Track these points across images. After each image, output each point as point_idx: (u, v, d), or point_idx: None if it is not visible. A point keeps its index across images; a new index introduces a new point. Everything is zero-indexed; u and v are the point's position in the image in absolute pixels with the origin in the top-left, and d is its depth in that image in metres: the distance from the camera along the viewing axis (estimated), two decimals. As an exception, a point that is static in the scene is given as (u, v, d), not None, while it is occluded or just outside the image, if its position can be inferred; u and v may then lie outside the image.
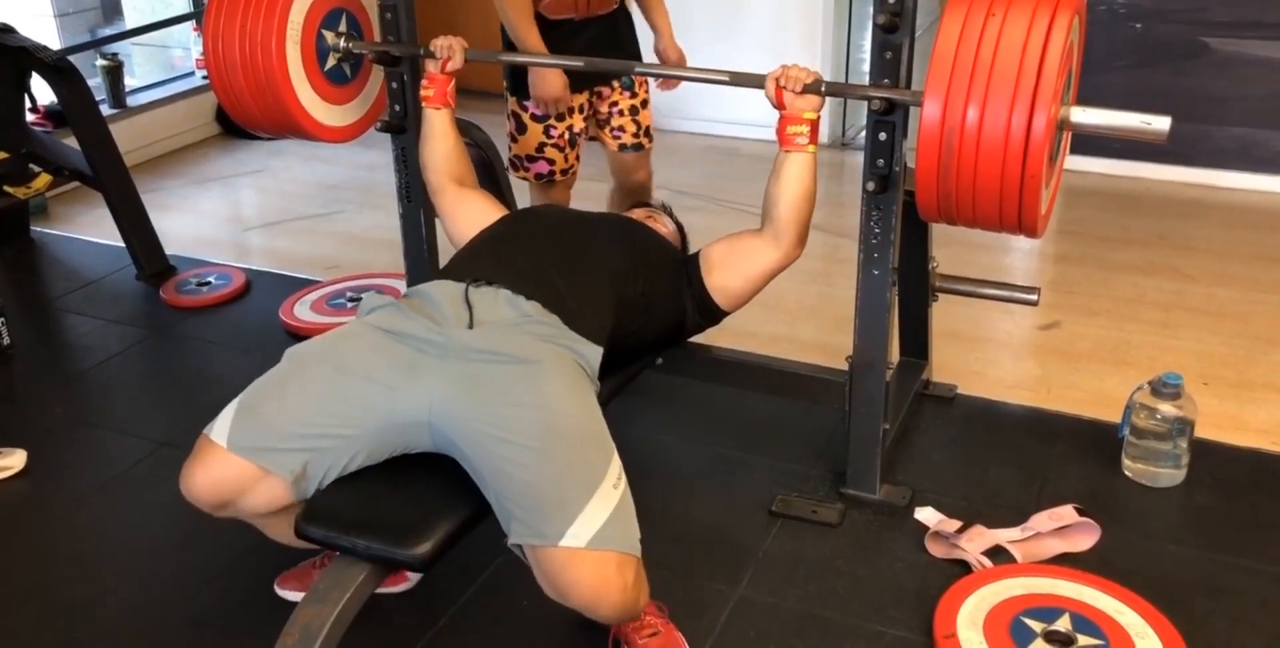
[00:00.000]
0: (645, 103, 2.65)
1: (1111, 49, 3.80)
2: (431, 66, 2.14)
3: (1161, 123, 1.67)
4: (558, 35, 2.44)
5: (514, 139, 2.57)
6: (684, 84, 4.33)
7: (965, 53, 1.62)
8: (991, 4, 1.64)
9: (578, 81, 2.48)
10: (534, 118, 2.51)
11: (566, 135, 2.54)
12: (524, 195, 2.71)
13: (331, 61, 2.26)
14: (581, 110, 2.55)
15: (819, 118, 1.87)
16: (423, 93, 2.16)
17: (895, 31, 1.82)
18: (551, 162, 2.57)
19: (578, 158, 2.63)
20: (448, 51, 2.11)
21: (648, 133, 2.68)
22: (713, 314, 2.03)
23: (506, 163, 2.59)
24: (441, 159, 2.15)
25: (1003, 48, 1.60)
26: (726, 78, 1.97)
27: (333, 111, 2.30)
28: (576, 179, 2.70)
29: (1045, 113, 1.57)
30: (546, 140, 2.54)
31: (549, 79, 2.43)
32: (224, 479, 1.59)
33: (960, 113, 1.61)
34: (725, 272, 1.98)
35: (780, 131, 1.87)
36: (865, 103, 1.88)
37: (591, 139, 2.67)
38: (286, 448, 1.58)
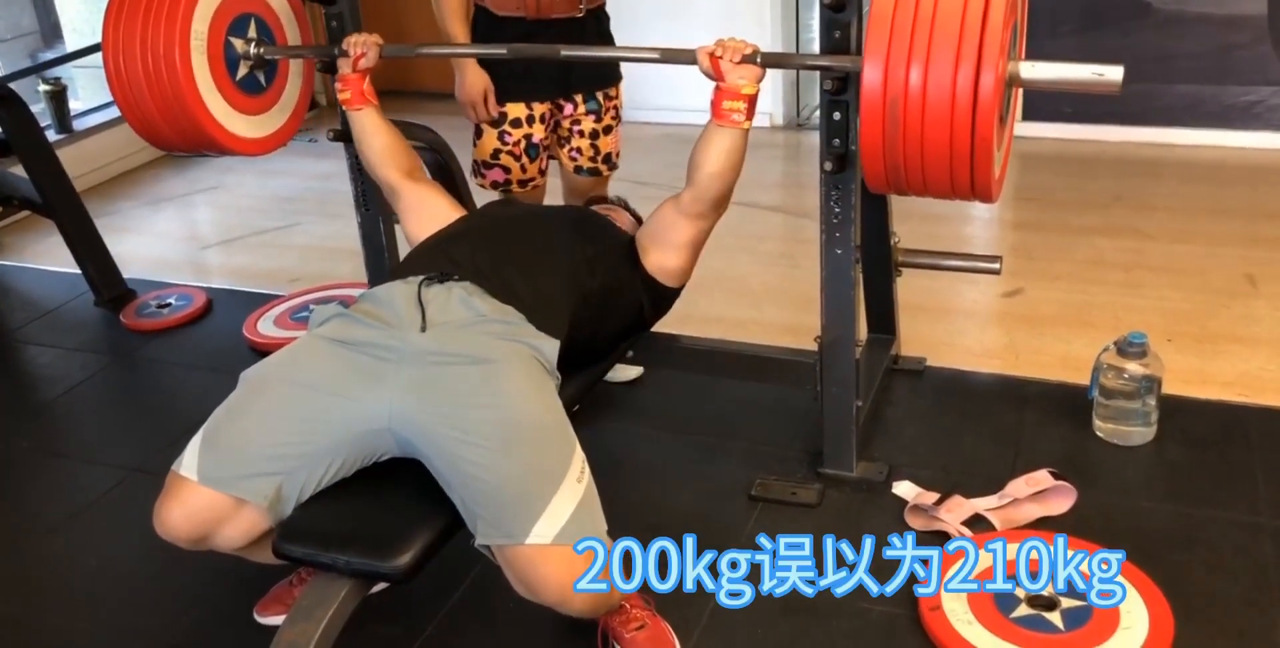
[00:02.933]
0: (609, 129, 2.50)
1: (1055, 13, 3.82)
2: (344, 66, 2.06)
3: (1114, 73, 1.59)
4: (507, 35, 2.28)
5: (474, 143, 2.46)
6: (637, 70, 4.29)
7: (904, 11, 1.53)
8: None
9: (535, 90, 2.35)
10: (489, 122, 2.38)
11: (523, 144, 2.40)
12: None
13: (243, 70, 2.15)
14: (543, 120, 2.40)
15: (757, 93, 1.78)
16: (339, 96, 2.08)
17: (843, 10, 1.80)
18: (507, 170, 2.42)
19: (541, 172, 2.47)
20: (361, 47, 2.03)
21: (607, 160, 2.53)
22: (664, 295, 1.99)
23: (468, 170, 2.51)
24: (382, 154, 2.08)
25: (942, 4, 1.51)
26: (657, 55, 1.89)
27: (249, 123, 2.19)
28: (544, 196, 2.55)
29: (993, 70, 1.49)
30: (501, 147, 2.40)
31: (468, 79, 2.31)
32: (198, 513, 1.56)
33: (902, 76, 1.52)
34: (657, 250, 1.94)
35: (715, 104, 1.78)
36: (818, 83, 1.87)
37: (552, 157, 2.53)
38: (257, 473, 1.56)
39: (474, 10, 2.36)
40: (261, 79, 2.22)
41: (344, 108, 2.10)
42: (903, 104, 1.54)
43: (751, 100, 1.79)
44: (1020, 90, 1.78)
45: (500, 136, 2.39)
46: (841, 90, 1.84)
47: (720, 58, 1.77)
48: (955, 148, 1.55)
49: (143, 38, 2.00)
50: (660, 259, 1.95)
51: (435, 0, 2.31)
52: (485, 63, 2.32)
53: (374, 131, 2.08)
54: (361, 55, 2.04)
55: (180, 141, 2.15)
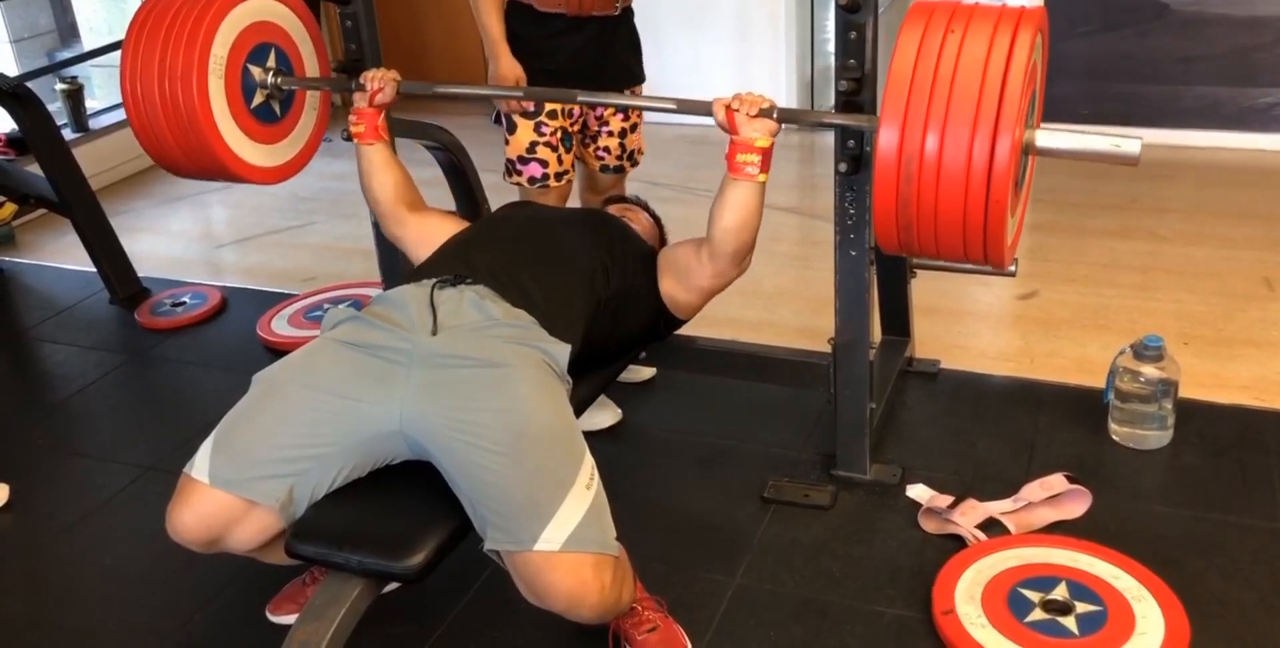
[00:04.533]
0: (635, 127, 2.53)
1: (1073, 14, 3.80)
2: (360, 100, 2.04)
3: (1132, 145, 1.57)
4: (547, 31, 2.33)
5: (506, 142, 2.44)
6: (652, 71, 4.30)
7: (922, 74, 1.52)
8: (950, 22, 1.55)
9: (566, 86, 2.31)
10: (524, 115, 2.38)
11: (559, 134, 2.41)
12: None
13: (259, 98, 2.14)
14: (570, 115, 2.41)
15: (772, 146, 1.76)
16: (352, 129, 2.05)
17: (858, 11, 1.81)
18: (545, 163, 2.42)
19: (573, 165, 2.50)
20: (379, 82, 2.02)
21: (631, 157, 2.56)
22: (669, 322, 1.99)
23: (481, 168, 2.50)
24: (389, 190, 2.05)
25: (962, 69, 1.50)
26: (673, 106, 1.89)
27: (262, 152, 2.17)
28: (571, 191, 2.55)
29: (1009, 138, 1.47)
30: (538, 138, 2.40)
31: (502, 69, 2.34)
32: (210, 516, 1.57)
33: (919, 139, 1.50)
34: (672, 282, 1.93)
35: (730, 158, 1.77)
36: (833, 83, 1.87)
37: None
38: (268, 475, 1.56)
39: (509, 5, 2.37)
40: (277, 109, 2.21)
41: (355, 141, 2.06)
42: (918, 169, 1.52)
43: (766, 153, 1.77)
44: (1041, 114, 1.76)
45: (537, 128, 2.39)
46: (858, 92, 1.84)
47: (736, 111, 1.75)
48: (969, 216, 1.53)
49: (161, 58, 2.00)
50: (673, 291, 1.94)
51: None
52: (518, 55, 2.36)
53: (383, 167, 2.06)
54: (379, 91, 2.02)
55: (192, 166, 2.13)
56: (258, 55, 2.14)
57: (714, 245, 1.84)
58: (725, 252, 1.84)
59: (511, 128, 2.41)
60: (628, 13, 2.43)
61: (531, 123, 2.38)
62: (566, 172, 2.46)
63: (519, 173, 2.44)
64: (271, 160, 2.22)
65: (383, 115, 2.07)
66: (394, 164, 2.08)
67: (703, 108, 1.81)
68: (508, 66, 2.35)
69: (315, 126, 2.33)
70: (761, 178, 1.78)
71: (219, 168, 2.11)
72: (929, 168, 1.51)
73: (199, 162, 2.11)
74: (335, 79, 2.25)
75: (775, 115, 1.75)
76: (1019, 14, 1.56)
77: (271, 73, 2.16)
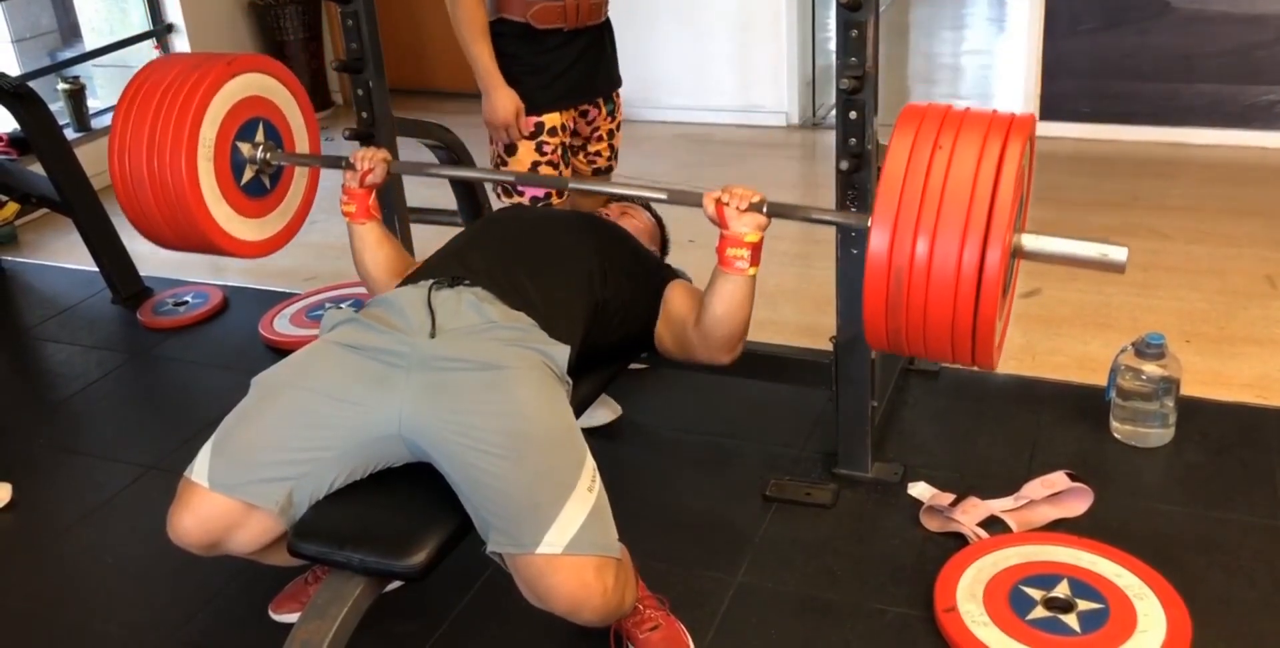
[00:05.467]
0: (620, 125, 2.54)
1: (1075, 11, 3.80)
2: (351, 180, 1.99)
3: (1118, 253, 1.57)
4: (542, 48, 2.31)
5: (503, 161, 2.41)
6: (653, 71, 4.30)
7: (914, 177, 1.52)
8: (940, 129, 1.55)
9: (568, 97, 2.36)
10: (524, 135, 2.35)
11: (560, 151, 2.39)
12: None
13: (249, 174, 2.13)
14: (565, 130, 2.40)
15: (761, 240, 1.74)
16: (343, 208, 2.01)
17: (859, 9, 1.80)
18: None
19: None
20: (369, 163, 1.97)
21: (615, 155, 2.58)
22: (655, 351, 1.96)
23: (496, 189, 2.48)
24: (381, 268, 2.01)
25: (953, 178, 1.50)
26: (664, 196, 1.87)
27: (251, 226, 2.16)
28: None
29: (999, 246, 1.47)
30: (540, 158, 2.37)
31: (500, 102, 2.29)
32: (211, 520, 1.57)
33: (909, 246, 1.50)
34: (667, 332, 1.90)
35: (720, 252, 1.75)
36: (835, 82, 1.86)
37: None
38: (267, 478, 1.56)
39: (500, 25, 2.32)
40: (267, 182, 2.20)
41: (345, 218, 2.03)
42: (908, 273, 1.52)
43: (756, 248, 1.74)
44: (1027, 218, 1.74)
45: (539, 148, 2.36)
46: (859, 90, 1.84)
47: (726, 205, 1.73)
48: (958, 320, 1.53)
49: (150, 141, 1.98)
50: (664, 338, 1.91)
51: (460, 22, 2.28)
52: (513, 75, 2.31)
53: (375, 245, 2.02)
54: (369, 171, 1.98)
55: (179, 243, 2.13)
56: (246, 131, 2.12)
57: (703, 330, 1.82)
58: (714, 338, 1.82)
59: (510, 149, 2.38)
60: (609, 19, 2.45)
61: (533, 143, 2.36)
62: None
63: (519, 193, 2.41)
64: (261, 234, 2.21)
65: (373, 195, 2.02)
66: (386, 241, 2.03)
67: (693, 199, 1.78)
68: (506, 98, 2.30)
69: (305, 193, 2.31)
70: (751, 271, 1.76)
71: (208, 245, 2.11)
72: (919, 272, 1.51)
73: (187, 239, 2.11)
74: (325, 157, 2.22)
75: (765, 210, 1.73)
76: (1009, 122, 1.56)
77: (261, 148, 2.14)
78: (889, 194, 1.53)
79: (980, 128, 1.54)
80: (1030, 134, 1.57)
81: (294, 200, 2.29)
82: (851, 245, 1.99)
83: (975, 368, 1.65)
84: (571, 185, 2.17)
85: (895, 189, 1.52)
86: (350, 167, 2.00)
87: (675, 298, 1.91)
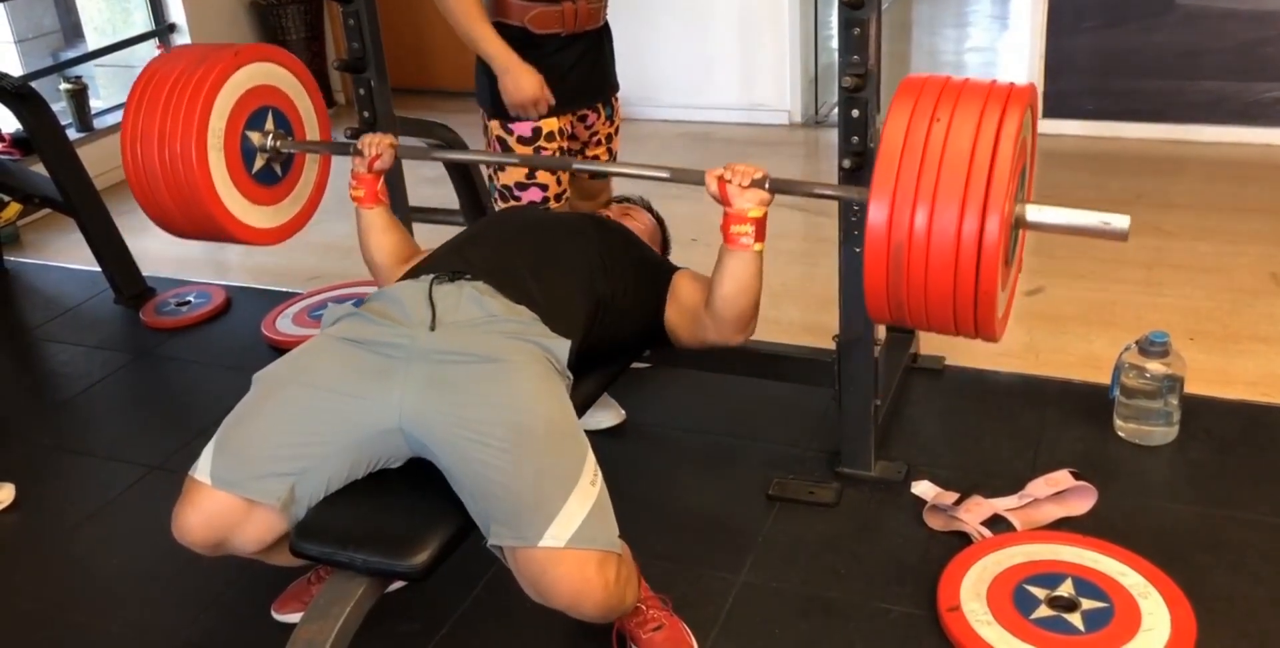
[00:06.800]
0: (618, 129, 2.52)
1: (1078, 8, 3.79)
2: (359, 165, 2.00)
3: (1121, 222, 1.56)
4: (542, 52, 2.28)
5: (501, 167, 2.38)
6: (655, 69, 4.29)
7: (912, 150, 1.51)
8: (939, 99, 1.54)
9: (564, 103, 2.32)
10: (521, 141, 2.33)
11: (557, 156, 2.36)
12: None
13: (259, 163, 2.14)
14: (562, 134, 2.37)
15: (765, 216, 1.75)
16: (351, 193, 2.02)
17: (861, 7, 1.80)
18: (544, 187, 2.36)
19: (569, 182, 2.43)
20: (376, 148, 1.98)
21: (614, 158, 2.55)
22: (665, 342, 1.95)
23: (494, 195, 2.46)
24: (387, 254, 2.02)
25: (951, 148, 1.49)
26: (667, 174, 1.88)
27: (264, 213, 2.17)
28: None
29: (998, 216, 1.46)
30: None
31: (524, 79, 2.24)
32: (214, 517, 1.57)
33: (908, 218, 1.49)
34: (678, 317, 1.90)
35: (724, 229, 1.76)
36: (837, 80, 1.86)
37: None
38: (269, 474, 1.56)
39: (497, 29, 2.27)
40: (278, 170, 2.21)
41: (355, 204, 2.04)
42: (907, 246, 1.51)
43: (760, 224, 1.75)
44: (1032, 188, 1.75)
45: (536, 153, 2.34)
46: (861, 88, 1.83)
47: (729, 182, 1.73)
48: (959, 292, 1.52)
49: (160, 134, 2.00)
50: (676, 326, 1.91)
51: (452, 11, 2.22)
52: None
53: (382, 230, 2.03)
54: (377, 157, 1.99)
55: (194, 232, 2.15)
56: (256, 120, 2.13)
57: (714, 311, 1.83)
58: (726, 317, 1.83)
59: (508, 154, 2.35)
60: (607, 23, 2.43)
61: (530, 149, 2.33)
62: (565, 191, 2.42)
63: (517, 198, 2.39)
64: (274, 221, 2.22)
65: (381, 181, 2.03)
66: (392, 226, 2.05)
67: (695, 178, 1.79)
68: (527, 74, 2.24)
69: (316, 180, 2.31)
70: (757, 247, 1.76)
71: (222, 234, 2.13)
72: (919, 244, 1.50)
73: (202, 228, 2.13)
74: (334, 143, 2.22)
75: (768, 185, 1.73)
76: (1008, 92, 1.55)
77: (270, 136, 2.15)
78: (887, 166, 1.52)
79: (979, 98, 1.54)
80: (1030, 103, 1.57)
81: (306, 187, 2.30)
82: (854, 243, 1.99)
83: (979, 339, 1.64)
84: (576, 166, 2.14)
85: (893, 160, 1.52)
86: (358, 153, 2.02)
87: (684, 285, 1.92)
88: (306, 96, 2.26)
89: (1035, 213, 1.60)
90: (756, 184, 1.73)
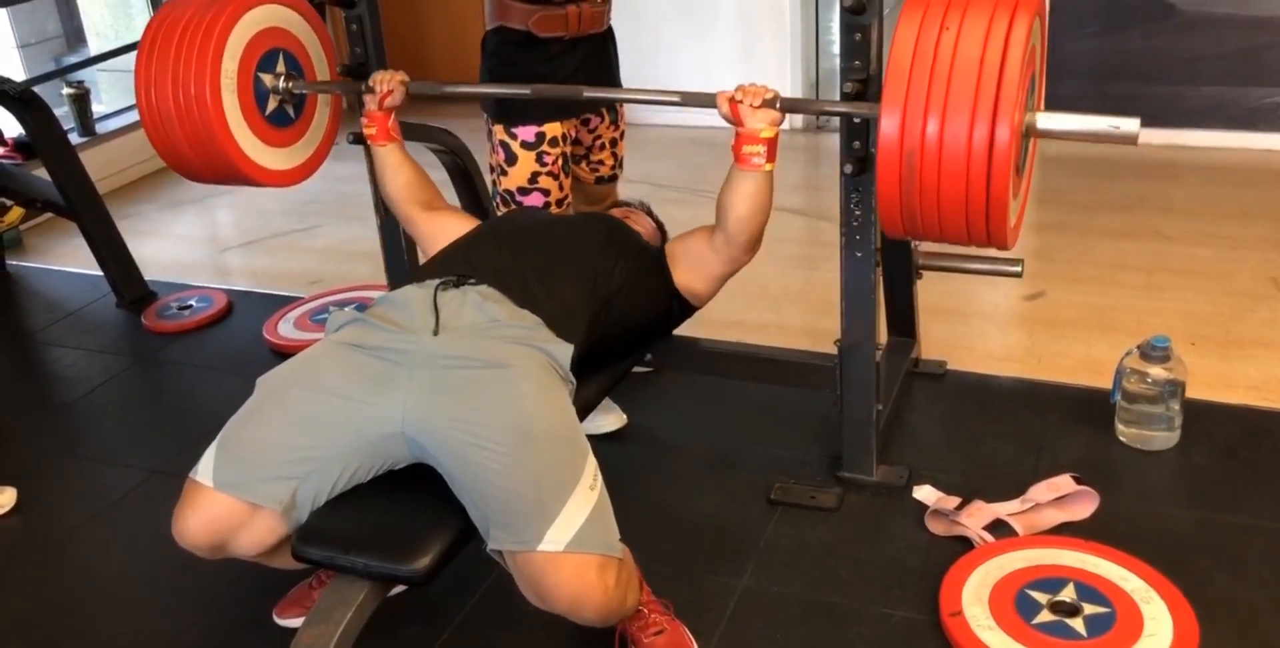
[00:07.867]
0: (623, 134, 2.53)
1: (1079, 14, 3.79)
2: (371, 103, 2.06)
3: (1130, 125, 1.60)
4: (543, 56, 2.29)
5: (503, 172, 2.36)
6: (657, 73, 4.29)
7: (921, 63, 1.53)
8: (947, 9, 1.56)
9: (568, 109, 2.34)
10: (524, 146, 2.32)
11: (560, 162, 2.36)
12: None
13: (272, 104, 2.17)
14: (566, 139, 2.37)
15: (777, 135, 1.80)
16: (365, 131, 2.09)
17: (863, 13, 1.81)
18: (546, 192, 2.36)
19: (572, 188, 2.45)
20: (387, 85, 2.04)
21: (620, 163, 2.56)
22: (685, 309, 2.02)
23: (496, 200, 2.47)
24: (403, 190, 2.09)
25: (960, 57, 1.52)
26: (677, 99, 1.92)
27: (278, 155, 2.20)
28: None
29: (1008, 123, 1.49)
30: (540, 169, 2.33)
31: None
32: (215, 520, 1.57)
33: (919, 127, 1.52)
34: (687, 272, 1.96)
35: (736, 149, 1.81)
36: (839, 85, 1.87)
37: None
38: (271, 477, 1.56)
39: (500, 33, 2.30)
40: (290, 111, 2.24)
41: (369, 142, 2.10)
42: (919, 155, 1.54)
43: (771, 144, 1.80)
44: (1042, 97, 1.77)
45: (539, 158, 2.33)
46: (863, 94, 1.84)
47: (740, 102, 1.78)
48: (971, 199, 1.56)
49: (174, 77, 2.02)
50: (687, 281, 1.97)
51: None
52: (518, 82, 2.26)
53: (397, 167, 2.09)
54: (388, 94, 2.05)
55: (211, 175, 2.17)
56: (267, 62, 2.15)
57: (728, 234, 1.89)
58: (739, 240, 1.89)
59: (511, 159, 2.34)
60: (611, 27, 2.43)
61: (533, 153, 2.33)
62: (567, 196, 2.42)
63: (519, 204, 2.38)
64: (290, 162, 2.25)
65: (393, 117, 2.09)
66: (407, 165, 2.11)
67: (707, 100, 1.83)
68: None
69: (329, 123, 2.35)
70: (768, 167, 1.81)
71: (238, 176, 2.15)
72: (930, 152, 1.53)
73: (218, 170, 2.15)
74: (345, 82, 2.26)
75: (779, 105, 1.78)
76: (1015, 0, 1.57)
77: (283, 78, 2.18)
78: (897, 77, 1.54)
79: (987, 5, 1.55)
80: (1039, 9, 1.59)
81: (319, 129, 2.33)
82: (856, 248, 1.99)
83: (991, 247, 1.67)
84: (587, 95, 2.13)
85: (903, 72, 1.54)
86: (370, 90, 2.06)
87: (677, 247, 2.00)
88: (316, 39, 2.29)
89: (1046, 120, 1.63)
90: (768, 104, 1.78)
